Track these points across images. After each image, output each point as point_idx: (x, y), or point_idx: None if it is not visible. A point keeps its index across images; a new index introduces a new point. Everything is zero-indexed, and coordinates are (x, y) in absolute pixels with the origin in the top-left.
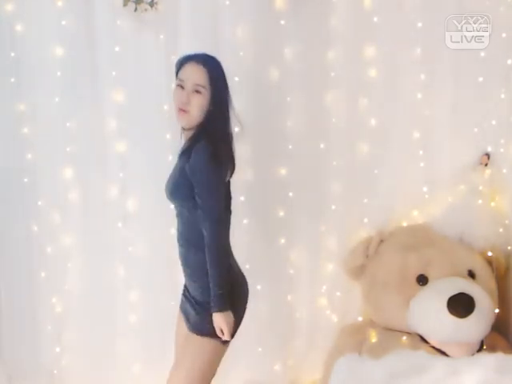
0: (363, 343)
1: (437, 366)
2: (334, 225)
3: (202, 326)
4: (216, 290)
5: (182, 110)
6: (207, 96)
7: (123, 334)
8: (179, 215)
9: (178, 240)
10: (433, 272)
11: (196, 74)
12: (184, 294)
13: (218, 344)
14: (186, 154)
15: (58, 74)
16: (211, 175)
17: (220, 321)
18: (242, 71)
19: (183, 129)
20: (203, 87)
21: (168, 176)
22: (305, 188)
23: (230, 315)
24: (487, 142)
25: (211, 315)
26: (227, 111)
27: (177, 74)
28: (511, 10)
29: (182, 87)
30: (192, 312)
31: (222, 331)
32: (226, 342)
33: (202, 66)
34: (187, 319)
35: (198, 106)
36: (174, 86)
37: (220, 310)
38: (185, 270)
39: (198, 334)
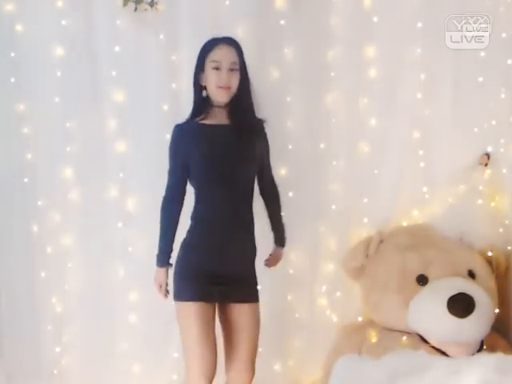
0: (363, 343)
1: (437, 365)
2: (334, 225)
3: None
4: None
5: (225, 88)
6: (238, 74)
7: (123, 334)
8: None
9: None
10: (433, 272)
11: (230, 54)
12: None
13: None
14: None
15: (58, 74)
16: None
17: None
18: None
19: (216, 106)
20: (237, 64)
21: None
22: (305, 188)
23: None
24: (487, 142)
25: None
26: (250, 86)
27: (203, 57)
28: (511, 9)
29: (217, 68)
30: None
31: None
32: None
33: (233, 48)
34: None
35: (236, 82)
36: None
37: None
38: None
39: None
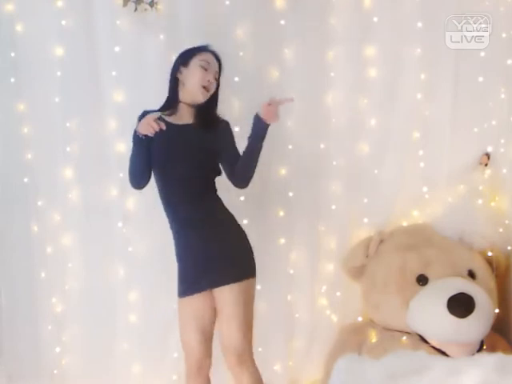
0: (363, 343)
1: (437, 365)
2: (334, 225)
3: None
4: None
5: (207, 89)
6: (216, 84)
7: (123, 334)
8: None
9: None
10: (433, 272)
11: (215, 65)
12: None
13: None
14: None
15: (58, 73)
16: None
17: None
18: (242, 71)
19: (185, 104)
20: (217, 77)
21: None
22: (305, 188)
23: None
24: (487, 142)
25: None
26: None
27: (190, 55)
28: (511, 9)
29: (205, 69)
30: None
31: None
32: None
33: (218, 63)
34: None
35: (213, 90)
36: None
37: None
38: None
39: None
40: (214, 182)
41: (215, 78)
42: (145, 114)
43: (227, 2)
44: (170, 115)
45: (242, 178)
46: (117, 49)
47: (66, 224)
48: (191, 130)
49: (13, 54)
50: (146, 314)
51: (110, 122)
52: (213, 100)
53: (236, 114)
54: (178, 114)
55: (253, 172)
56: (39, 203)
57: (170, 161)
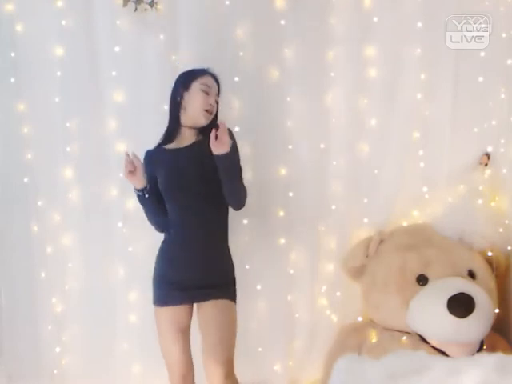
0: (363, 343)
1: (437, 365)
2: (334, 225)
3: None
4: None
5: (209, 113)
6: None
7: (123, 334)
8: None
9: None
10: (433, 272)
11: (215, 88)
12: None
13: None
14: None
15: (58, 73)
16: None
17: None
18: (242, 71)
19: (187, 127)
20: (217, 100)
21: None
22: (305, 188)
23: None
24: (487, 142)
25: None
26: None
27: (191, 79)
28: (511, 9)
29: (206, 93)
30: None
31: None
32: None
33: (216, 84)
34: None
35: (215, 111)
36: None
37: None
38: None
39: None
40: (225, 206)
41: (216, 101)
42: (148, 154)
43: (227, 2)
44: (170, 142)
45: (232, 203)
46: (117, 49)
47: (66, 224)
48: (194, 148)
49: (13, 54)
50: (145, 314)
51: (110, 121)
52: (214, 120)
53: (236, 114)
54: (180, 137)
55: (240, 195)
56: (39, 203)
57: (174, 189)
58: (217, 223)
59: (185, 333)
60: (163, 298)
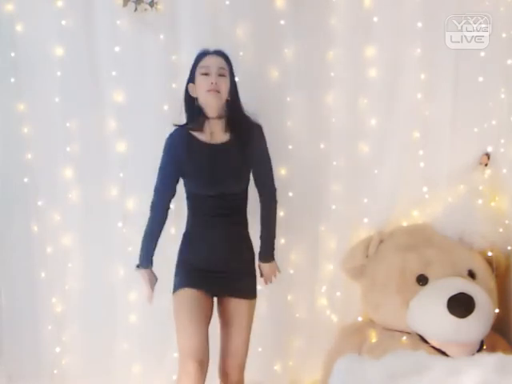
0: (363, 343)
1: (437, 365)
2: (334, 225)
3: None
4: None
5: (214, 91)
6: (228, 80)
7: (123, 334)
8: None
9: None
10: (433, 272)
11: (218, 60)
12: None
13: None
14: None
15: (58, 73)
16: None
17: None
18: (242, 71)
19: (207, 118)
20: (226, 70)
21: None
22: (305, 188)
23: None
24: (487, 142)
25: None
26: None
27: (194, 68)
28: (511, 9)
29: (206, 74)
30: None
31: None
32: None
33: (221, 57)
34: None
35: (225, 87)
36: (193, 80)
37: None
38: None
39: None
40: (246, 200)
41: (221, 74)
42: (172, 137)
43: (227, 2)
44: (198, 130)
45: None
46: (117, 49)
47: (66, 224)
48: (230, 148)
49: (13, 54)
50: (146, 314)
51: (110, 122)
52: (235, 103)
53: None
54: (209, 130)
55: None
56: (39, 203)
57: (205, 182)
58: (243, 219)
59: (207, 321)
60: (194, 279)
